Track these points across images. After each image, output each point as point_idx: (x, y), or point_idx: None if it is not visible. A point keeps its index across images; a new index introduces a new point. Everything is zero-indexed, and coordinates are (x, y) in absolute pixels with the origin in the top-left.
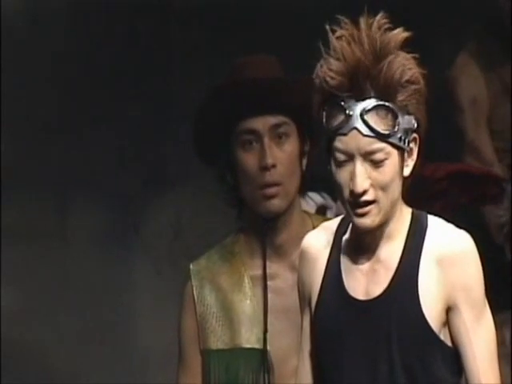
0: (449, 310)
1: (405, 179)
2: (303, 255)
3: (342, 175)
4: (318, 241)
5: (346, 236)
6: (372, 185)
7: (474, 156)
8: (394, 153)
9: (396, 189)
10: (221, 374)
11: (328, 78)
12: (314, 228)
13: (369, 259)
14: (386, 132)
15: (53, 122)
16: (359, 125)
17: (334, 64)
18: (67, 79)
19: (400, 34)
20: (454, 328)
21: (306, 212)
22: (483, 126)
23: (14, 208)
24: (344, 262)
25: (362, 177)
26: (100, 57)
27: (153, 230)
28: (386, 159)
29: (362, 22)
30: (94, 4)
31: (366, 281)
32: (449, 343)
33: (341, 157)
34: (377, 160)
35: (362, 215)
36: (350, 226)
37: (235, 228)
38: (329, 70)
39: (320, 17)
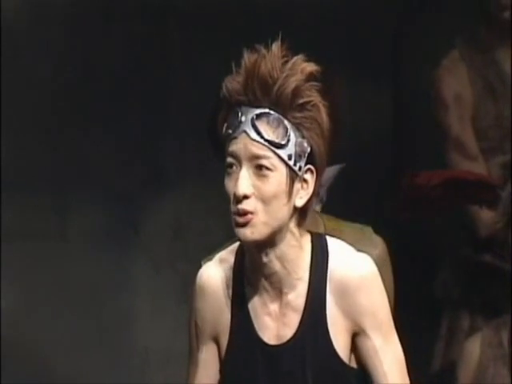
0: (355, 335)
1: (298, 210)
2: (202, 290)
3: (230, 184)
4: (218, 276)
5: (246, 272)
6: (254, 194)
7: (459, 151)
8: (282, 170)
9: (280, 210)
10: None
11: (227, 82)
12: (325, 229)
13: (276, 301)
14: (274, 140)
15: (53, 122)
16: (248, 128)
17: (236, 71)
18: (67, 79)
19: (308, 65)
20: (362, 351)
21: (317, 212)
22: (467, 123)
23: (13, 208)
24: (251, 304)
25: (245, 180)
26: (100, 57)
27: (152, 230)
28: (270, 170)
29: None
30: (94, 4)
31: (276, 324)
32: (355, 366)
33: (230, 161)
34: (261, 166)
35: (242, 225)
36: (247, 260)
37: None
38: (230, 77)
39: (320, 18)
